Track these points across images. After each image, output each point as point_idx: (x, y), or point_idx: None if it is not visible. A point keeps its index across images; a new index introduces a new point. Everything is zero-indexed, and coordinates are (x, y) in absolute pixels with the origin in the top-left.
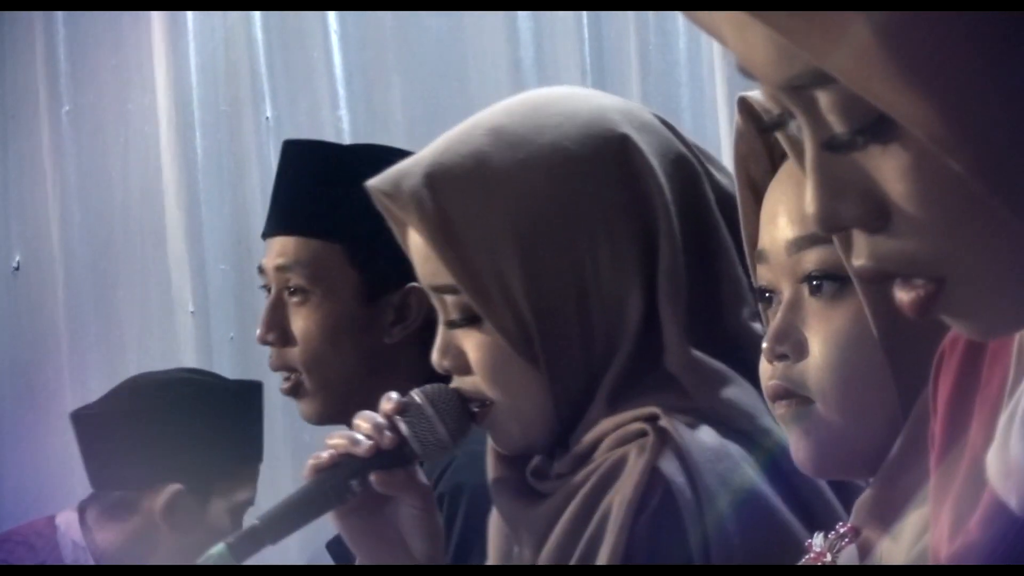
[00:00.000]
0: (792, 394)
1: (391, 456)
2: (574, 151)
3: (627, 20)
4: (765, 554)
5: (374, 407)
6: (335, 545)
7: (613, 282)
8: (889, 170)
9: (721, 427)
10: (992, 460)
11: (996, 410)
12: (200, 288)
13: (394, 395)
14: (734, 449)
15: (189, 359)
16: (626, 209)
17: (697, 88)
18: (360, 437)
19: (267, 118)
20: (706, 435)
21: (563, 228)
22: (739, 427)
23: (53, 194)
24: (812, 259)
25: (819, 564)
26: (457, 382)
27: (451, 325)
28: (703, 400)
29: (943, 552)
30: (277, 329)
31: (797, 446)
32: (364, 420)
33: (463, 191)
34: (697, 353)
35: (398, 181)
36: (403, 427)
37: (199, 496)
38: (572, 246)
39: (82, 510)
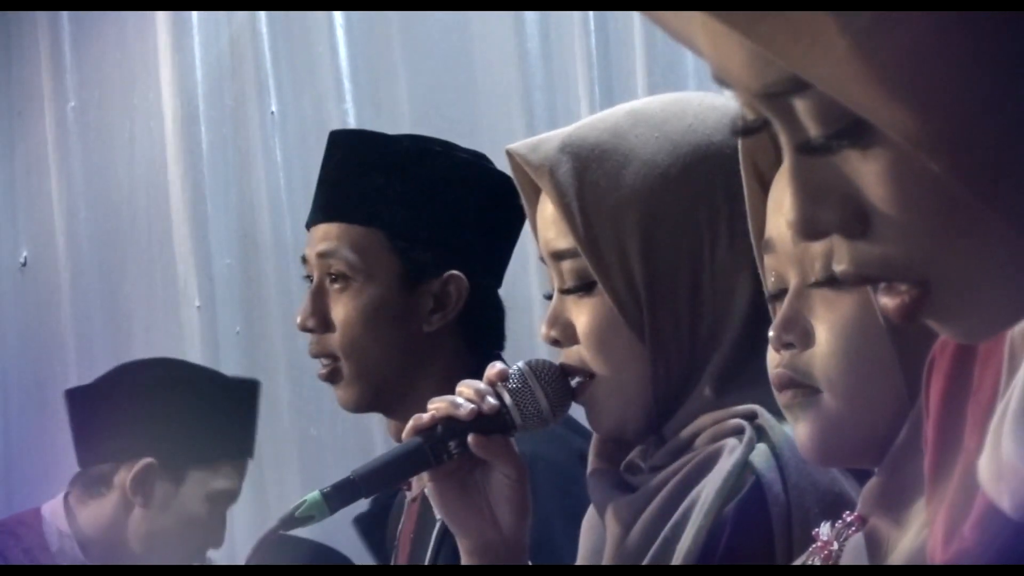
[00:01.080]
0: (798, 383)
1: (491, 422)
2: (710, 136)
3: (632, 12)
4: None
5: (412, 394)
6: (362, 521)
7: (727, 266)
8: (868, 174)
9: None
10: (984, 464)
11: (989, 414)
12: (206, 283)
13: (499, 364)
14: None
15: (195, 354)
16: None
17: (703, 79)
18: (461, 401)
19: (272, 112)
20: None
21: (687, 207)
22: None
23: (59, 190)
24: (819, 248)
25: (826, 552)
26: (561, 355)
27: (565, 292)
28: None
29: (939, 558)
30: (318, 315)
31: (803, 435)
32: (467, 386)
33: (597, 159)
34: None
35: (537, 146)
36: (506, 396)
37: (172, 475)
38: (693, 225)
39: (67, 496)
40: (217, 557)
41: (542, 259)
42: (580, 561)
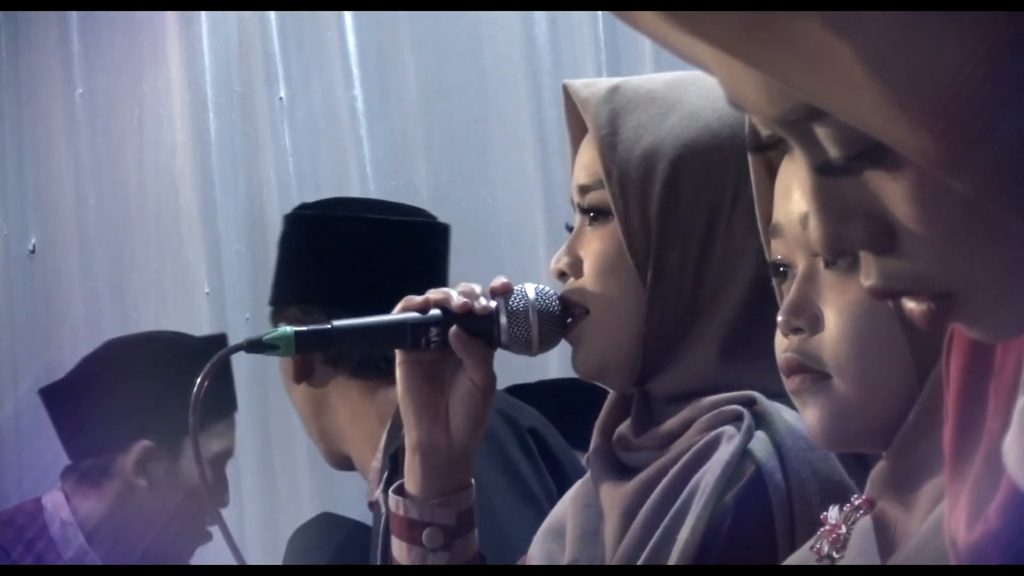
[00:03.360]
0: (807, 368)
1: (478, 326)
2: None
3: None
4: None
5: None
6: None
7: (742, 230)
8: (891, 193)
9: None
10: (1009, 447)
11: (1012, 395)
12: (215, 269)
13: (503, 278)
14: None
15: None
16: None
17: None
18: (456, 293)
19: (281, 98)
20: (799, 422)
21: (718, 163)
22: None
23: (68, 177)
24: None
25: (834, 536)
26: (565, 287)
27: (583, 212)
28: None
29: (961, 540)
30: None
31: (812, 420)
32: (467, 286)
33: (644, 103)
34: None
35: (592, 83)
36: (502, 314)
37: (169, 451)
38: (719, 182)
39: (63, 487)
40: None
41: (571, 201)
42: (571, 536)
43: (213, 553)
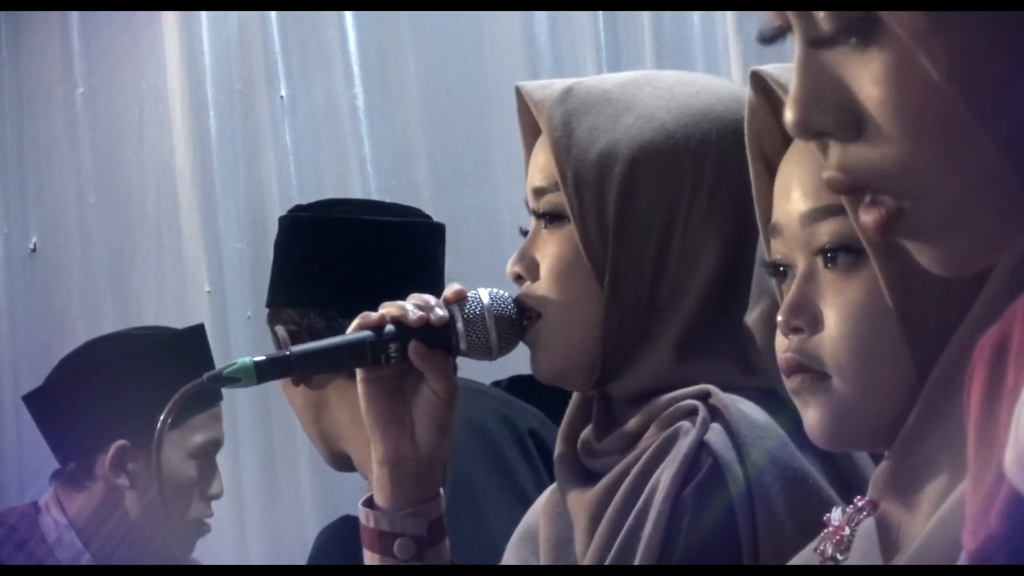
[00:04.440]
0: (807, 368)
1: (437, 337)
2: (713, 105)
3: None
4: (812, 530)
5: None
6: None
7: (699, 232)
8: (867, 74)
9: (774, 400)
10: (1009, 453)
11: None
12: (216, 268)
13: (457, 285)
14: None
15: None
16: (740, 169)
17: (711, 63)
18: (411, 307)
19: (281, 97)
20: (755, 412)
21: (674, 162)
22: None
23: (68, 175)
24: (826, 231)
25: (837, 537)
26: (520, 291)
27: (538, 216)
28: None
29: (967, 548)
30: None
31: (812, 420)
32: (420, 297)
33: (598, 104)
34: None
35: (546, 85)
36: (459, 321)
37: (147, 449)
38: (676, 182)
39: (55, 487)
40: (224, 520)
41: (526, 203)
42: (545, 546)
43: (215, 554)
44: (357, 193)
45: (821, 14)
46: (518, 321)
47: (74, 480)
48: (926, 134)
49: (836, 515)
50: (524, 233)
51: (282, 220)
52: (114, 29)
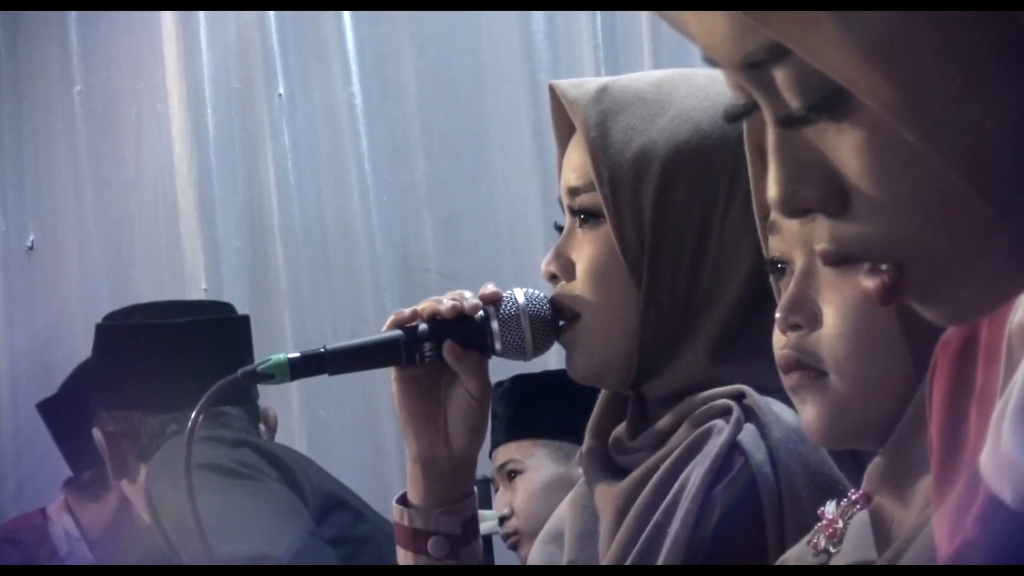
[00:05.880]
0: (805, 365)
1: (471, 337)
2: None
3: None
4: None
5: None
6: None
7: (736, 231)
8: (845, 147)
9: None
10: (987, 458)
11: (992, 412)
12: (213, 265)
13: (492, 286)
14: None
15: None
16: None
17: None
18: (446, 299)
19: (280, 95)
20: (789, 415)
21: (710, 163)
22: None
23: (66, 173)
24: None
25: (831, 530)
26: (556, 290)
27: (573, 214)
28: None
29: (942, 553)
30: None
31: (809, 417)
32: (453, 293)
33: (633, 104)
34: None
35: (580, 84)
36: (494, 322)
37: None
38: (712, 182)
39: (66, 497)
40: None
41: (559, 202)
42: (569, 537)
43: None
44: (355, 190)
45: (788, 92)
46: (553, 322)
47: (88, 490)
48: (914, 200)
49: (830, 508)
50: (558, 228)
51: (96, 329)
52: (112, 27)
